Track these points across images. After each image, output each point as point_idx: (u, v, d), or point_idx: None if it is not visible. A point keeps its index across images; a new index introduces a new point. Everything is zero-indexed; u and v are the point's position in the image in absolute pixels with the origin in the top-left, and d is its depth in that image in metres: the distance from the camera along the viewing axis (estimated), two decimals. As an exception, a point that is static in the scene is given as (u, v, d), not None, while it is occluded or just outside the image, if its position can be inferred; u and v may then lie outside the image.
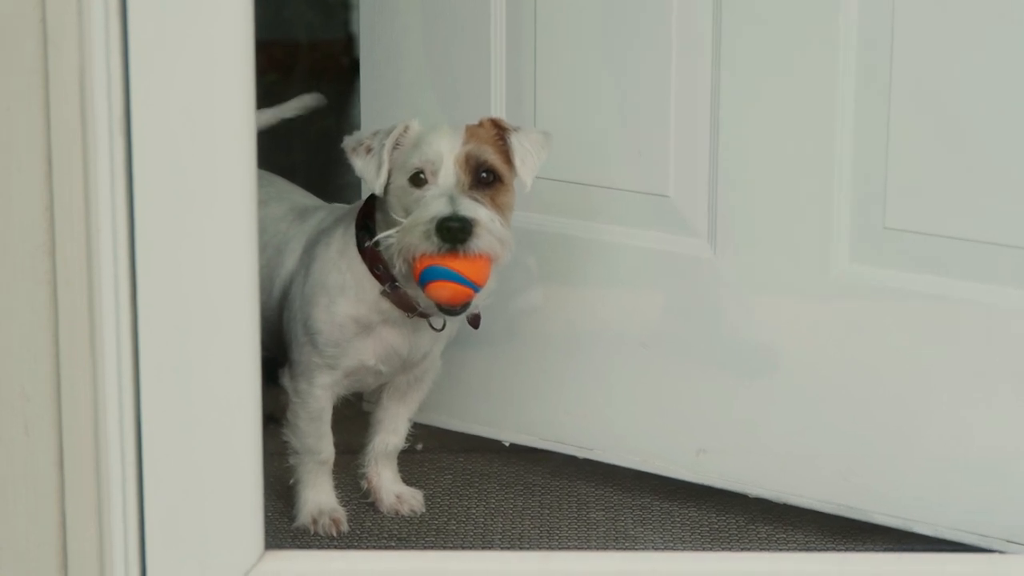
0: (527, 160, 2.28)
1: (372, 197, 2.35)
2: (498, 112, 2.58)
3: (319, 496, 2.46)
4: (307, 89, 2.81)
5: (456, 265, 2.13)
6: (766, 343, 2.49)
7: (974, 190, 2.29)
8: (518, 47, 2.61)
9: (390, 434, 2.55)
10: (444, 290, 2.15)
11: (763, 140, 2.44)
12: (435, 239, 2.13)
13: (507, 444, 2.74)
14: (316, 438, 2.43)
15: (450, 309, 2.21)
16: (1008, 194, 2.25)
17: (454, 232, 2.12)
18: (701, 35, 2.46)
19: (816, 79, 2.37)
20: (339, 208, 2.51)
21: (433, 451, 2.76)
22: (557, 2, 2.57)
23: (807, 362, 2.45)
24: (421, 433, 2.70)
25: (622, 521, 2.52)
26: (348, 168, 2.30)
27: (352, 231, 2.36)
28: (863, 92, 2.34)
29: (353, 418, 2.61)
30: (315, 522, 2.43)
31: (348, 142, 2.29)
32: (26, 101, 1.78)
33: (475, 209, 2.16)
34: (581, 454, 2.67)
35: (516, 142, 2.28)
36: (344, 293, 2.33)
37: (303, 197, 2.63)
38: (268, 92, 2.84)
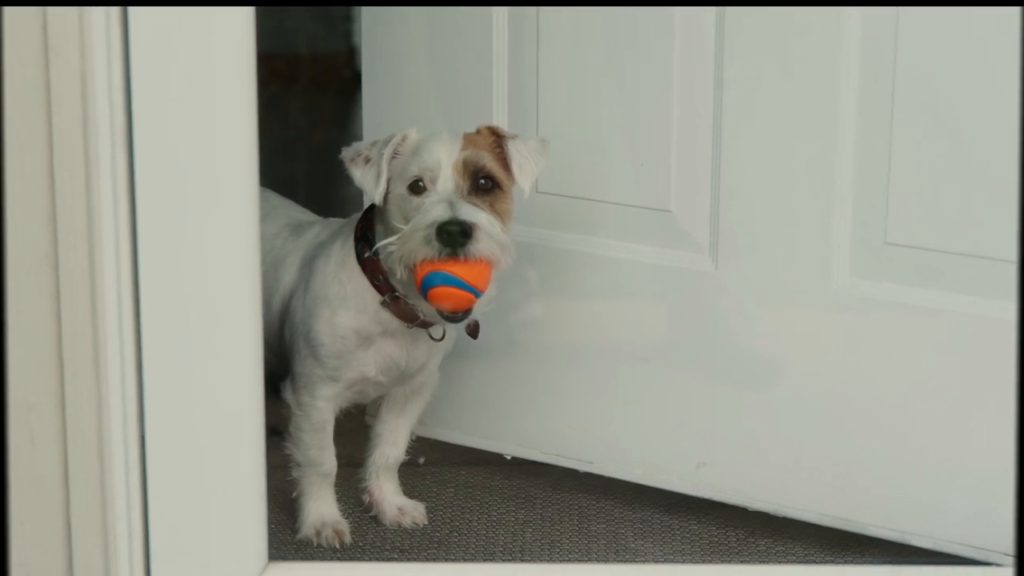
0: (525, 167, 2.27)
1: (370, 209, 2.35)
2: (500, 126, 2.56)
3: (322, 508, 2.46)
4: (309, 100, 2.82)
5: (457, 270, 2.13)
6: (767, 356, 2.49)
7: (975, 205, 2.28)
8: (520, 62, 2.60)
9: (390, 447, 2.55)
10: (446, 296, 2.14)
11: (765, 155, 2.43)
12: (435, 244, 2.13)
13: (508, 457, 2.74)
14: (319, 450, 2.43)
15: (451, 316, 2.20)
16: (1008, 209, 2.23)
17: (454, 236, 2.12)
18: (703, 50, 2.45)
19: (818, 94, 2.36)
20: (335, 222, 2.51)
21: (435, 464, 2.76)
22: (559, 18, 2.56)
23: (807, 374, 2.45)
24: (423, 446, 2.72)
25: (622, 534, 2.53)
26: (349, 180, 2.30)
27: (351, 243, 2.35)
28: (865, 107, 2.34)
29: (356, 431, 2.61)
30: (318, 534, 2.44)
31: (346, 153, 2.30)
32: (28, 109, 1.79)
33: (474, 213, 2.16)
34: (582, 467, 2.67)
35: (514, 149, 2.27)
36: (345, 305, 2.33)
37: (298, 212, 2.63)
38: (271, 103, 2.84)
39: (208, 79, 1.80)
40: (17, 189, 1.81)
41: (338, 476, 2.49)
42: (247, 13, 1.79)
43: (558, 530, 2.54)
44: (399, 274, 2.20)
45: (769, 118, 2.42)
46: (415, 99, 2.72)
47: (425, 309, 2.26)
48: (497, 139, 2.29)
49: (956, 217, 2.31)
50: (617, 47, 2.52)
